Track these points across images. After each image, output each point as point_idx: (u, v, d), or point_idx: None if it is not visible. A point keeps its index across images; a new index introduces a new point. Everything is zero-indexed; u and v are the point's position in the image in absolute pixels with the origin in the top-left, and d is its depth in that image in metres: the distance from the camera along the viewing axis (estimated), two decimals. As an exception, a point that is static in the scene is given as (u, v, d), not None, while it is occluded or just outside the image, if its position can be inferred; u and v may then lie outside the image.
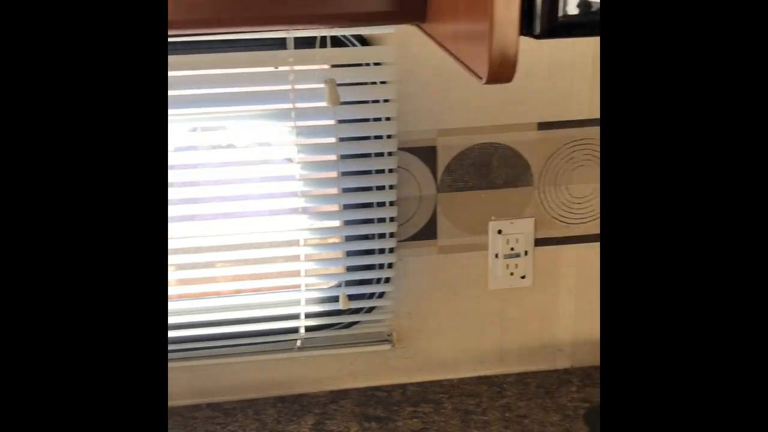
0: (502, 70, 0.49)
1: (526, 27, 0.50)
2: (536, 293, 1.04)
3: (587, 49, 0.92)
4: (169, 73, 0.81)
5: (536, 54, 0.91)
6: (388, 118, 0.90)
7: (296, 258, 0.95)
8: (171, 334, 0.96)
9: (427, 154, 0.95)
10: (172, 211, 0.90)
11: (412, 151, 0.94)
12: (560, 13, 0.48)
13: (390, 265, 0.98)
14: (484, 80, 0.51)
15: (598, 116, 0.95)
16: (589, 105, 0.94)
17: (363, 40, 0.88)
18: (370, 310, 1.01)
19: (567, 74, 0.93)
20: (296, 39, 0.84)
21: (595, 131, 0.95)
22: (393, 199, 0.94)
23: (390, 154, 0.92)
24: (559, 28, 0.49)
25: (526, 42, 0.99)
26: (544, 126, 0.95)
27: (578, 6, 0.48)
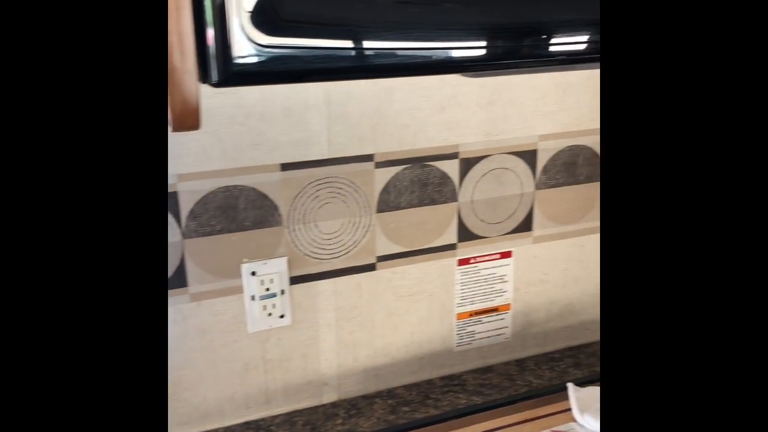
0: (185, 118, 0.50)
1: (204, 76, 0.50)
2: (296, 331, 1.05)
3: (320, 92, 0.96)
4: None
5: (270, 98, 0.94)
6: (119, 166, 0.86)
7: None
8: None
9: (168, 200, 0.92)
10: None
11: (152, 198, 0.91)
12: (234, 63, 0.50)
13: (137, 319, 0.93)
14: (171, 128, 0.50)
15: (338, 156, 1.00)
16: (328, 145, 0.98)
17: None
18: (120, 368, 0.95)
19: (303, 117, 0.96)
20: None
21: (336, 170, 1.00)
22: (133, 249, 0.90)
23: (125, 202, 0.88)
24: (234, 77, 0.50)
25: (259, 87, 1.00)
26: (286, 167, 0.97)
27: (251, 57, 0.49)
